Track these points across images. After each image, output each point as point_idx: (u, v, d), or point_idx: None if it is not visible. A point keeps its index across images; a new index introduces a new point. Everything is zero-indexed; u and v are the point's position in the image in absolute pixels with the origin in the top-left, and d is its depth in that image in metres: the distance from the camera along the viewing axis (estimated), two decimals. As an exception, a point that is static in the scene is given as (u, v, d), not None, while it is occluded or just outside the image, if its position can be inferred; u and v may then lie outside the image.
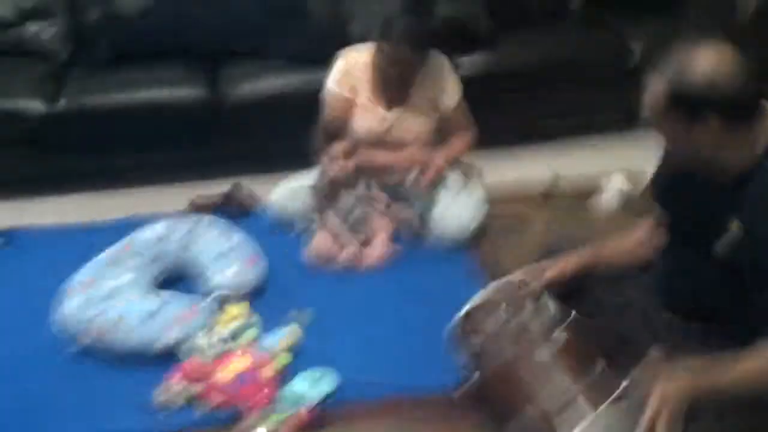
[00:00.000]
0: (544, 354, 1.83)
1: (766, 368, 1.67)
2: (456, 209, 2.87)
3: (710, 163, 1.71)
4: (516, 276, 2.15)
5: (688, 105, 1.62)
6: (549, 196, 3.25)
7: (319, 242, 2.83)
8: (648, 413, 1.60)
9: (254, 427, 1.99)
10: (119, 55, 3.54)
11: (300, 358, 2.30)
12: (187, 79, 3.42)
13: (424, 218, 2.94)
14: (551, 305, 1.88)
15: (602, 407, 1.66)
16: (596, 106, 3.72)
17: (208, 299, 2.48)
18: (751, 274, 1.70)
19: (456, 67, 3.18)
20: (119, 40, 3.57)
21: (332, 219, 2.79)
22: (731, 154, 1.68)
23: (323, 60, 3.05)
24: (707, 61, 1.59)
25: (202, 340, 2.25)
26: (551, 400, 1.73)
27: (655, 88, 1.66)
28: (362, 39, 3.17)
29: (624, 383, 1.72)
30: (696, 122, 1.63)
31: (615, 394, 1.69)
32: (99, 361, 2.34)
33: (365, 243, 2.85)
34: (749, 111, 1.64)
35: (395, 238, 2.91)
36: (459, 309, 2.07)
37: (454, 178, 2.97)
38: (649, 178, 2.10)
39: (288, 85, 3.37)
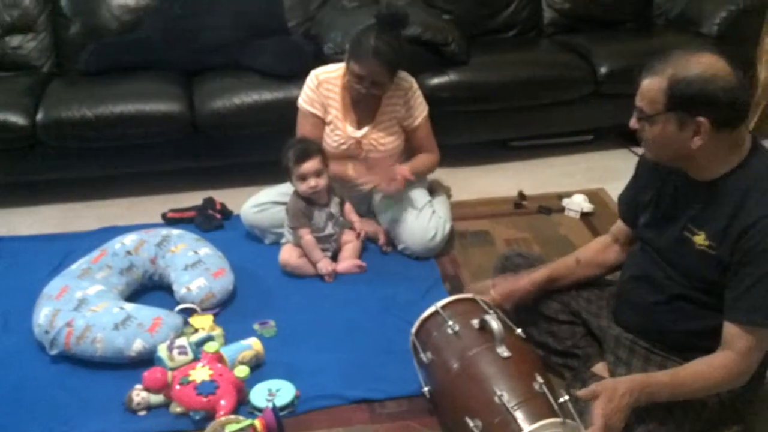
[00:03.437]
0: (486, 369, 1.89)
1: (700, 379, 1.77)
2: (421, 224, 2.94)
3: (692, 161, 1.79)
4: (468, 291, 2.25)
5: (685, 103, 1.69)
6: (514, 214, 3.33)
7: (287, 255, 2.90)
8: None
9: (211, 436, 2.06)
10: (99, 69, 3.62)
11: (261, 370, 2.37)
12: (163, 93, 3.47)
13: (390, 233, 3.03)
14: (496, 321, 1.93)
15: (537, 424, 1.72)
16: (563, 125, 3.82)
17: (173, 312, 2.55)
18: (723, 269, 1.77)
19: (427, 85, 3.29)
20: (99, 54, 3.65)
21: (306, 236, 2.86)
22: (714, 156, 1.76)
23: (297, 76, 3.15)
24: (706, 65, 1.68)
25: (163, 351, 2.31)
26: (490, 414, 1.79)
27: (652, 86, 1.73)
28: (335, 57, 3.27)
29: (561, 400, 1.79)
30: (688, 121, 1.71)
31: (551, 411, 1.76)
32: (78, 364, 2.41)
33: (334, 258, 2.93)
34: (738, 116, 1.73)
35: (362, 253, 2.99)
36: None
37: (419, 194, 3.04)
38: (612, 198, 2.16)
39: (260, 100, 3.43)
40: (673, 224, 1.89)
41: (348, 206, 2.98)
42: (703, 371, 1.77)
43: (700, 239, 1.81)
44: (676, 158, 1.81)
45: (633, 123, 1.82)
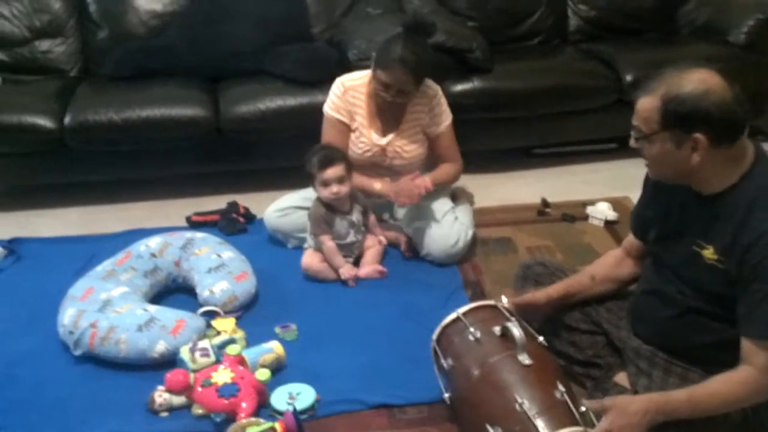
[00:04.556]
0: (507, 377, 1.88)
1: (720, 396, 1.75)
2: (443, 231, 2.94)
3: (694, 177, 1.78)
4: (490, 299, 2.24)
5: (679, 121, 1.68)
6: (536, 221, 3.32)
7: (309, 259, 2.91)
8: None
9: (232, 439, 2.07)
10: (126, 73, 3.66)
11: (282, 373, 2.38)
12: (189, 98, 3.51)
13: (412, 239, 3.03)
14: (518, 329, 1.92)
15: (559, 432, 1.71)
16: (587, 133, 3.81)
17: (196, 314, 2.56)
18: (732, 282, 1.75)
19: (451, 92, 3.28)
20: (126, 58, 3.70)
21: (327, 243, 2.87)
22: (715, 170, 1.75)
23: (321, 82, 3.17)
24: (698, 82, 1.67)
25: (185, 353, 2.33)
26: (511, 422, 1.78)
27: (646, 105, 1.73)
28: (359, 64, 3.28)
29: (582, 409, 1.77)
30: (685, 138, 1.70)
31: (572, 420, 1.75)
32: (101, 364, 2.44)
33: (356, 263, 2.94)
34: (735, 131, 1.71)
35: (384, 258, 3.00)
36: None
37: (442, 201, 3.04)
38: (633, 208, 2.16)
39: (285, 106, 3.45)
40: (681, 239, 1.88)
41: (372, 219, 2.99)
42: (722, 389, 1.75)
43: (708, 253, 1.80)
44: (678, 175, 1.80)
45: (632, 143, 1.81)
